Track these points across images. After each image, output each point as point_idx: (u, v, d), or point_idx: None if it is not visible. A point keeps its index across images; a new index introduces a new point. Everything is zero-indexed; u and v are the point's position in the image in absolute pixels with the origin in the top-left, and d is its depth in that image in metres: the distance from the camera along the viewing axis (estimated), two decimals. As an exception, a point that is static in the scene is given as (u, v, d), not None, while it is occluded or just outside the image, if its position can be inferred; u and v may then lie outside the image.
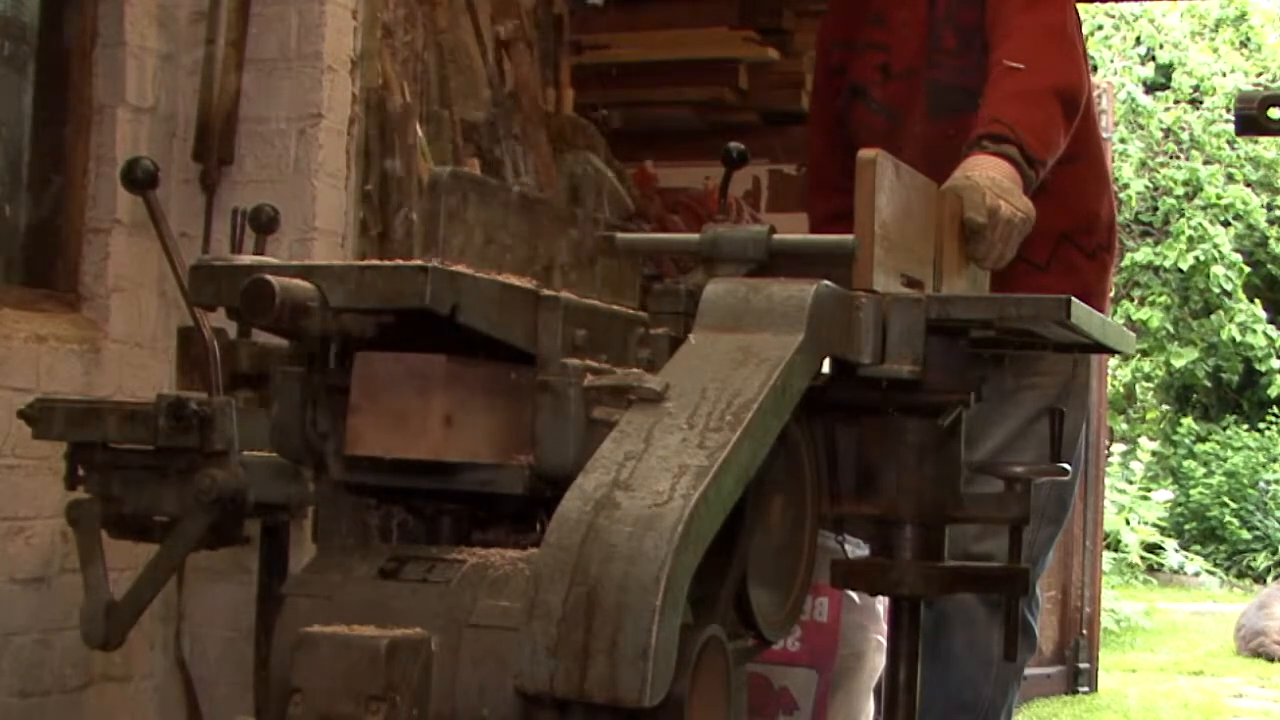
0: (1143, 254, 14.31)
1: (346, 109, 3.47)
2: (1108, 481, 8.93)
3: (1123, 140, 14.06)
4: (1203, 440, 14.22)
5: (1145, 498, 11.92)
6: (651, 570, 1.39)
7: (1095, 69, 12.77)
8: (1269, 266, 14.85)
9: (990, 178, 2.38)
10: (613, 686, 1.39)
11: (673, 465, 1.49)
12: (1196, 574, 12.27)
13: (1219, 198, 14.21)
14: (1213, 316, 14.19)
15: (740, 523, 1.74)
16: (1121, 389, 14.66)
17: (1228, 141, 14.29)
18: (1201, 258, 13.92)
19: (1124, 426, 14.59)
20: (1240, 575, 12.76)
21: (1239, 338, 14.02)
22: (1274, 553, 12.78)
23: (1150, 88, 14.67)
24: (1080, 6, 2.85)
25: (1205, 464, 13.79)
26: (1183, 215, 14.18)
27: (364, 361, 1.71)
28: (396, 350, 1.68)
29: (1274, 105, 1.79)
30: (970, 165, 2.44)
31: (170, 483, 2.32)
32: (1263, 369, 14.26)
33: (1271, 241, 14.70)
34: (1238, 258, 14.13)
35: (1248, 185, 14.49)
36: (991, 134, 2.49)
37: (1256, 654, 8.12)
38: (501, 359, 1.75)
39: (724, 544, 1.66)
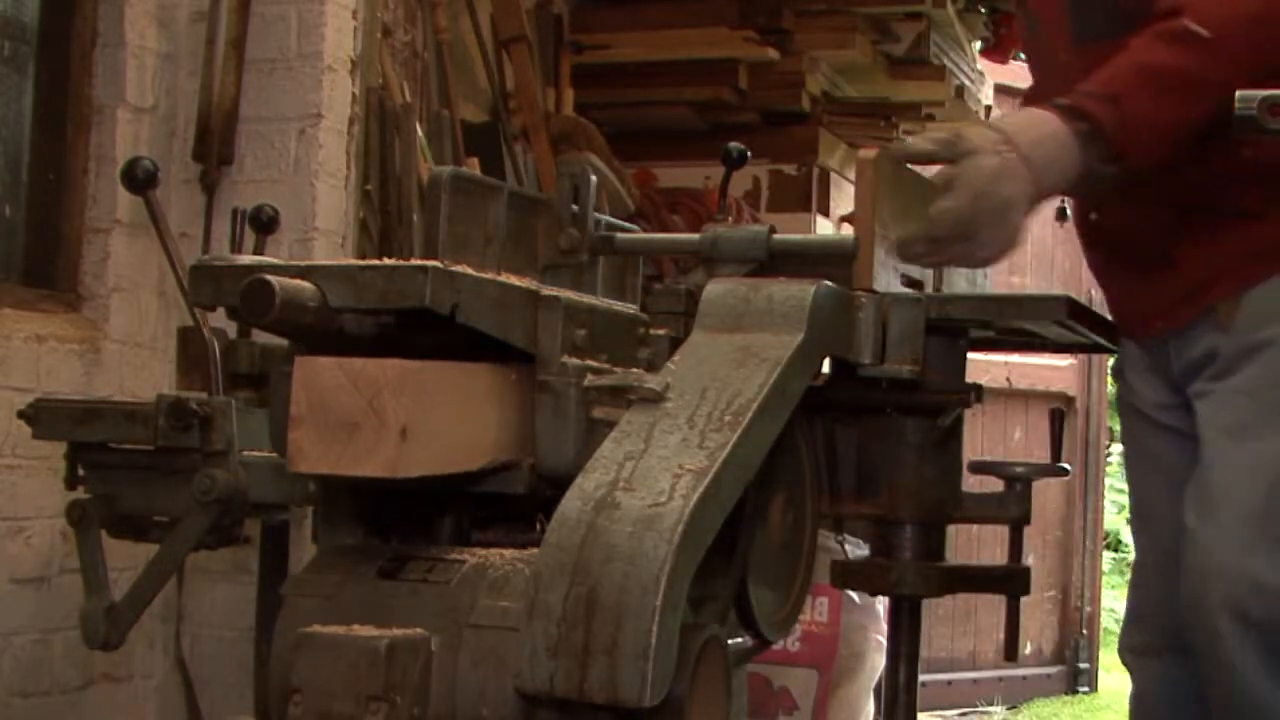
0: (1143, 254, 14.31)
1: (346, 109, 3.47)
2: (1108, 481, 8.92)
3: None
4: (1203, 440, 14.19)
5: (1145, 498, 11.89)
6: (651, 570, 1.39)
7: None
8: (1269, 266, 14.83)
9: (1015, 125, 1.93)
10: (613, 686, 1.39)
11: (673, 465, 1.49)
12: (1196, 574, 12.23)
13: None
14: (1213, 316, 14.18)
15: (740, 523, 1.74)
16: (1121, 389, 14.65)
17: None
18: (1201, 257, 13.91)
19: (1124, 426, 14.57)
20: (1240, 575, 12.73)
21: (1239, 337, 14.00)
22: (1274, 553, 12.76)
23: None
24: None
25: (1205, 464, 13.75)
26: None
27: (305, 368, 1.62)
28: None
29: (1274, 105, 1.78)
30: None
31: (170, 483, 2.31)
32: (1263, 369, 14.24)
33: (1271, 241, 14.69)
34: (1238, 257, 14.11)
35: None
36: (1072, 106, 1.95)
37: (1256, 654, 8.09)
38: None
39: (724, 544, 1.66)
